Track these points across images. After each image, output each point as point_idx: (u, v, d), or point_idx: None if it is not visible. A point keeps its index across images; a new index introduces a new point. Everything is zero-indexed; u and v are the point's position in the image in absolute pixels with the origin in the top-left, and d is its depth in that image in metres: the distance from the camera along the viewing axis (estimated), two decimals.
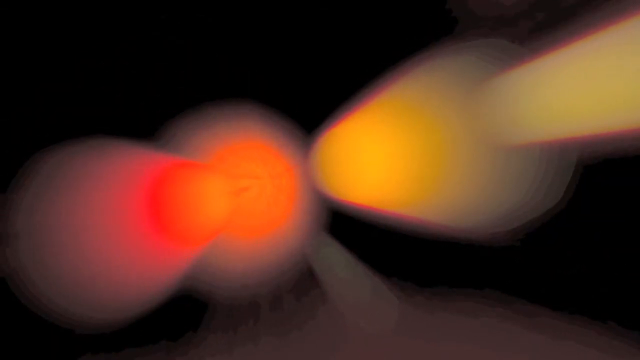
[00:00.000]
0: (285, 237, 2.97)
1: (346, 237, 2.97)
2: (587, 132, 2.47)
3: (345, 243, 2.96)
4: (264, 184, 3.03)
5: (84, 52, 2.70)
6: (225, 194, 3.00)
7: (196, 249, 2.84)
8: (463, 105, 2.77)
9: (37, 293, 2.56)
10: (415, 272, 2.86)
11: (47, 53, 2.64)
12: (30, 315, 2.54)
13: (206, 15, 2.85)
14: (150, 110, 2.77)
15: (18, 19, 2.60)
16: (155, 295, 2.65)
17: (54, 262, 2.60)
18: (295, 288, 2.89)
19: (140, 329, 2.60)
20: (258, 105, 2.90)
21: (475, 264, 2.79)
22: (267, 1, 2.86)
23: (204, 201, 2.96)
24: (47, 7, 2.61)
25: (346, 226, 2.95)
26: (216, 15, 2.87)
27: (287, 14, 2.87)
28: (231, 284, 2.83)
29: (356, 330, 2.77)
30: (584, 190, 2.57)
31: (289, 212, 3.02)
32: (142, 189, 2.77)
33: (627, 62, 2.36)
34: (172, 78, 2.87)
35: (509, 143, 2.72)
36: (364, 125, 2.96)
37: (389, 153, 2.95)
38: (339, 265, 2.95)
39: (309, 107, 2.91)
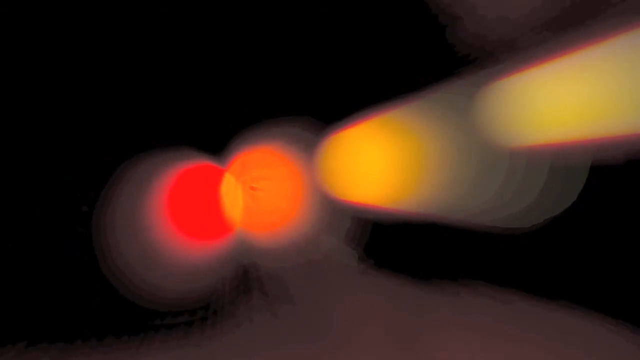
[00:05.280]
0: (292, 233, 3.13)
1: (349, 234, 3.11)
2: (591, 135, 2.57)
3: (349, 240, 3.11)
4: (274, 184, 3.20)
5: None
6: (240, 194, 3.24)
7: (219, 242, 3.11)
8: (465, 111, 2.89)
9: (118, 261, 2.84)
10: (419, 265, 2.97)
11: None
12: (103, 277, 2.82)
13: (219, 20, 2.94)
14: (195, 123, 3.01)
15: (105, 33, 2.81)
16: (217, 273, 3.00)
17: (137, 242, 2.94)
18: (302, 277, 3.04)
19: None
20: (269, 113, 3.04)
21: (483, 255, 2.87)
22: (282, 12, 2.95)
23: (223, 200, 3.20)
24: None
25: (349, 223, 3.10)
26: (227, 20, 2.96)
27: (304, 27, 2.98)
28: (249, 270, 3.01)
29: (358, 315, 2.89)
30: (588, 193, 2.66)
31: (296, 210, 3.18)
32: (188, 190, 3.10)
33: (628, 69, 2.48)
34: (182, 84, 2.97)
35: (510, 145, 2.82)
36: (369, 130, 3.11)
37: (392, 157, 3.10)
38: (341, 258, 3.10)
39: (314, 115, 3.05)
